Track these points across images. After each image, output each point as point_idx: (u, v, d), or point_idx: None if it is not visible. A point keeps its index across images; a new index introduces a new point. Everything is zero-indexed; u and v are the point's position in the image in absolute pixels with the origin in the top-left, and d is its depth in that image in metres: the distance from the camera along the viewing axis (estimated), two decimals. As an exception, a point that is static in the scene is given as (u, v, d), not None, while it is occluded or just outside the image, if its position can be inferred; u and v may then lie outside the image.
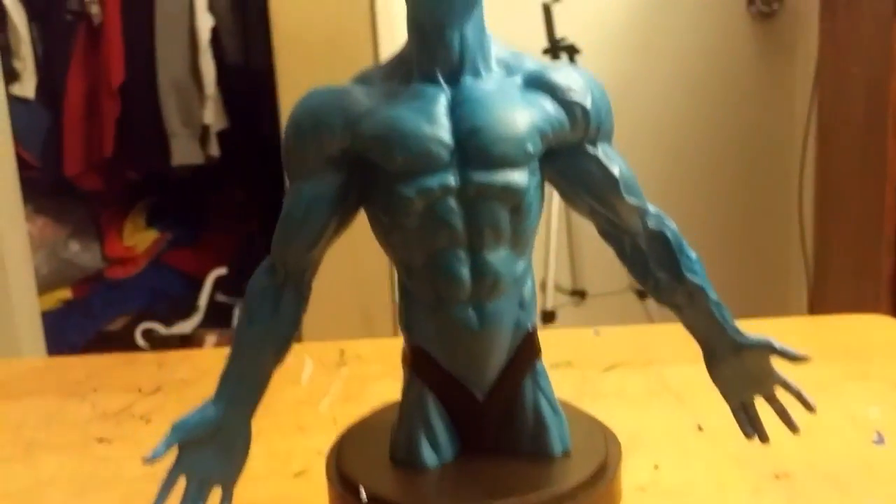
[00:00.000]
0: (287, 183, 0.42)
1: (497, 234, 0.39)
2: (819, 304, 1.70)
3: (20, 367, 0.80)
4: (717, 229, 1.89)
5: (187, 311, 1.96)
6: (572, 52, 1.65)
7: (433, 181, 0.38)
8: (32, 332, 1.71)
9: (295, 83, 1.71)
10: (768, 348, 0.42)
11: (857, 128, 1.39)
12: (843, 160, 1.49)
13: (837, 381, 0.64)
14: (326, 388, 0.68)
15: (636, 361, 0.69)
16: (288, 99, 1.71)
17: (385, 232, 0.41)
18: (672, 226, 0.43)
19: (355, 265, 1.74)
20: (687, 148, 1.85)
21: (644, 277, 0.43)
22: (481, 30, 0.40)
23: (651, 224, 0.42)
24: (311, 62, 1.70)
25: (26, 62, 1.81)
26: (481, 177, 0.38)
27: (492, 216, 0.39)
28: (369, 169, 0.39)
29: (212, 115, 1.81)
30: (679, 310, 0.43)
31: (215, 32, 1.79)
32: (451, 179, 0.38)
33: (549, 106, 0.39)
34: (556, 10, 1.63)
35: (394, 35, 1.70)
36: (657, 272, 0.42)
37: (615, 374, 0.68)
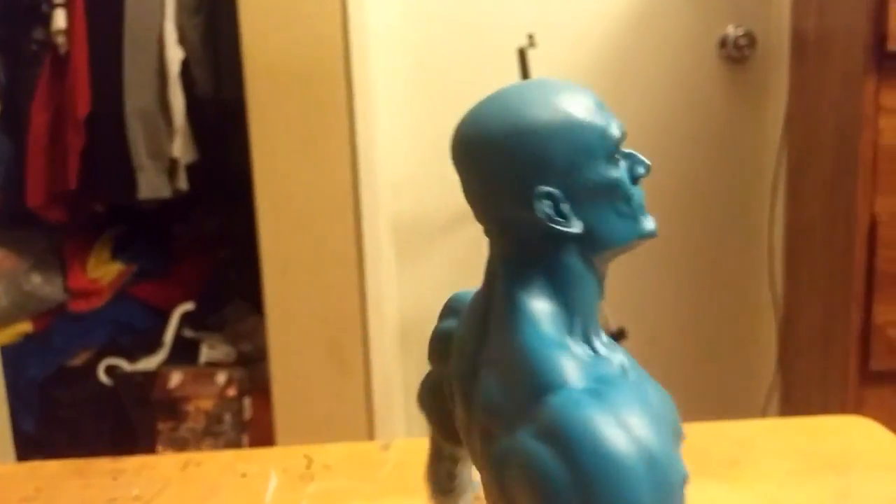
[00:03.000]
0: None
1: None
2: (788, 359, 1.70)
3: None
4: (683, 273, 1.89)
5: (152, 346, 1.91)
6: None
7: None
8: (-11, 370, 1.66)
9: (266, 116, 1.68)
10: None
11: (825, 178, 1.40)
12: (812, 210, 1.50)
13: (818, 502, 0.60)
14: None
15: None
16: (259, 131, 1.68)
17: None
18: None
19: (324, 294, 1.71)
20: (655, 191, 1.84)
21: None
22: None
23: None
24: (283, 95, 1.68)
25: (-11, 91, 1.76)
26: None
27: None
28: None
29: (180, 147, 1.78)
30: None
31: (186, 63, 1.76)
32: None
33: None
34: (531, 55, 1.63)
35: (367, 68, 1.68)
36: None
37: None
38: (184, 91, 1.76)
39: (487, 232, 0.39)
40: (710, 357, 1.93)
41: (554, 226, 0.36)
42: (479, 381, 0.36)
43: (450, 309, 0.44)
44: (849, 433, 0.72)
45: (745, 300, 1.87)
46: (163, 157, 1.78)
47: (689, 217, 1.87)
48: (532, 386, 0.34)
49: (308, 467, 0.68)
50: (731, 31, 1.78)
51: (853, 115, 1.25)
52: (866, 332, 1.24)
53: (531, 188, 0.36)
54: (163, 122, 1.77)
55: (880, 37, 1.22)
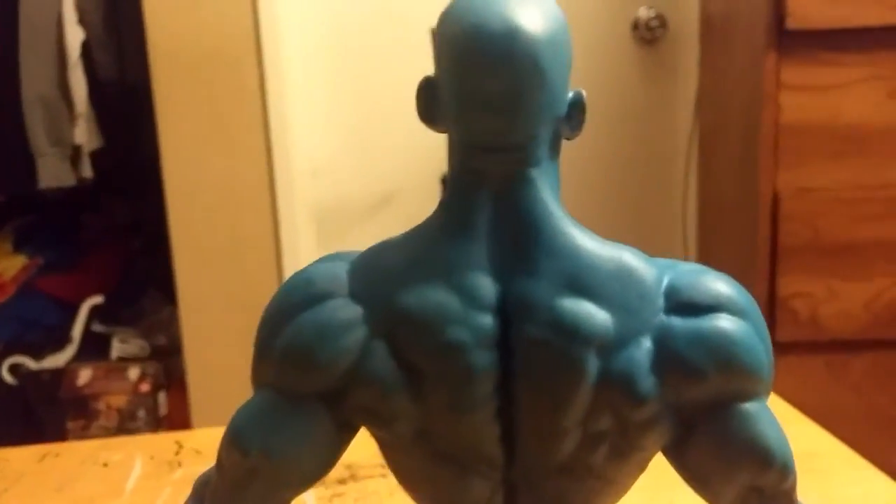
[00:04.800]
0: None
1: None
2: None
3: None
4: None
5: (60, 342, 1.83)
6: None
7: None
8: None
9: (174, 99, 1.63)
10: None
11: (733, 155, 1.43)
12: (722, 187, 1.53)
13: None
14: (155, 496, 0.59)
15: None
16: (166, 116, 1.63)
17: None
18: None
19: (240, 283, 1.67)
20: (571, 172, 1.86)
21: None
22: None
23: None
24: (191, 77, 1.62)
25: None
26: None
27: None
28: None
29: (84, 134, 1.70)
30: None
31: (86, 46, 1.69)
32: None
33: None
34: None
35: (279, 49, 1.64)
36: None
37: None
38: (86, 74, 1.69)
39: (517, 145, 0.32)
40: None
41: (576, 131, 0.34)
42: (531, 322, 0.30)
43: (345, 310, 0.32)
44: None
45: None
46: (65, 143, 1.70)
47: (605, 196, 1.89)
48: (646, 283, 0.31)
49: (177, 453, 0.65)
50: (643, 13, 1.80)
51: (756, 92, 1.28)
52: (772, 305, 1.27)
53: (567, 88, 0.34)
54: (64, 107, 1.69)
55: (780, 16, 1.25)
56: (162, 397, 1.80)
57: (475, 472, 0.32)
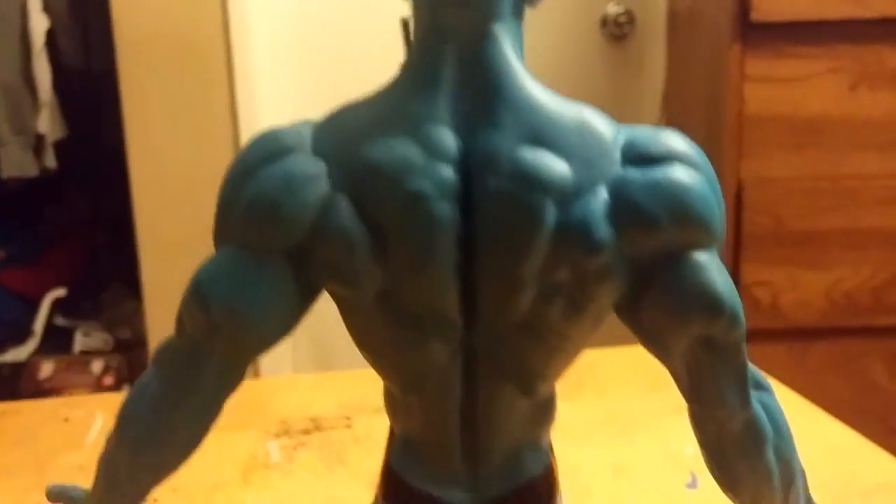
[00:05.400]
0: None
1: None
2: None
3: None
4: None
5: (22, 336, 1.80)
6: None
7: None
8: None
9: (140, 88, 1.61)
10: None
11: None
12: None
13: (658, 415, 0.62)
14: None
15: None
16: (132, 105, 1.60)
17: None
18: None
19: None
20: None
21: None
22: None
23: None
24: (157, 66, 1.60)
25: None
26: None
27: None
28: None
29: (47, 123, 1.68)
30: None
31: (51, 34, 1.66)
32: None
33: None
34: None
35: (247, 37, 1.63)
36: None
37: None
38: (50, 62, 1.66)
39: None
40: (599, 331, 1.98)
41: None
42: (492, 175, 0.30)
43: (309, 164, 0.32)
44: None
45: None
46: (27, 132, 1.67)
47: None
48: (604, 138, 0.32)
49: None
50: (612, 9, 1.82)
51: (721, 84, 1.30)
52: (735, 293, 1.29)
53: None
54: (27, 95, 1.66)
55: (745, 9, 1.27)
56: (126, 390, 1.77)
57: (436, 335, 0.32)
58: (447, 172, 0.31)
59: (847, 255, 1.31)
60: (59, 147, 1.71)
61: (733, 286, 0.32)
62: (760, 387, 0.34)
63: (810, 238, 1.30)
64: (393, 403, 0.35)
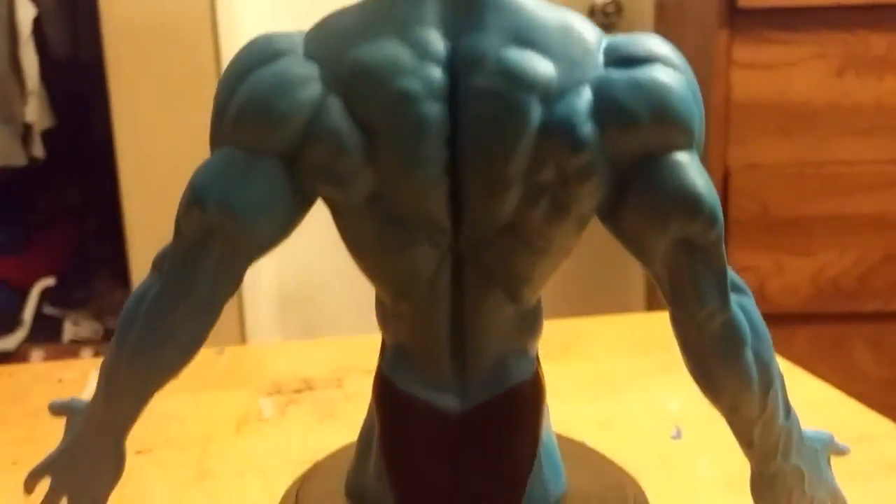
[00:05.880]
0: None
1: None
2: (658, 302, 1.77)
3: None
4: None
5: (11, 325, 1.79)
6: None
7: None
8: None
9: (128, 77, 1.60)
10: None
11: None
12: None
13: (644, 375, 0.63)
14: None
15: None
16: (120, 94, 1.60)
17: None
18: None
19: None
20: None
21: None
22: None
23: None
24: (145, 55, 1.60)
25: None
26: None
27: None
28: None
29: (35, 112, 1.67)
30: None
31: (38, 23, 1.66)
32: None
33: None
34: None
35: (236, 25, 1.63)
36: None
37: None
38: (37, 52, 1.66)
39: None
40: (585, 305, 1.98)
41: None
42: (478, 73, 0.30)
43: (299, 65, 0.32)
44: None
45: (616, 248, 1.94)
46: (15, 122, 1.67)
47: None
48: (587, 40, 0.32)
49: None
50: (600, -1, 1.83)
51: (707, 70, 1.31)
52: (722, 278, 1.30)
53: None
54: (14, 84, 1.66)
55: (731, -5, 1.28)
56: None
57: (424, 238, 0.33)
58: (435, 72, 0.31)
59: (833, 241, 1.32)
60: (48, 136, 1.70)
61: (713, 187, 0.33)
62: (739, 290, 0.34)
63: (796, 224, 1.31)
64: (384, 314, 0.35)
